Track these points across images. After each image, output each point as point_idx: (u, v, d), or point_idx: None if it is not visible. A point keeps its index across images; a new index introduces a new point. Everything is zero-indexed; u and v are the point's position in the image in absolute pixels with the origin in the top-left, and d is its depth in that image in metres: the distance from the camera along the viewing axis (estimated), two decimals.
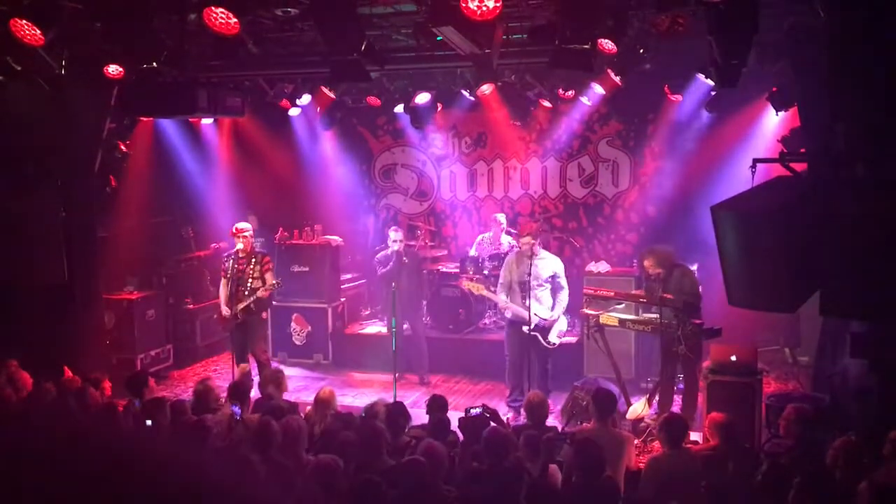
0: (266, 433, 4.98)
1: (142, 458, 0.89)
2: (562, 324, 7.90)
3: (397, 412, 5.70)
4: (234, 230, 8.43)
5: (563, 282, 7.85)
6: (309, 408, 6.48)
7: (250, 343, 8.46)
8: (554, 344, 7.74)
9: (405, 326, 9.07)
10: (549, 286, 7.78)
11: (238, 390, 6.34)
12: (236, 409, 5.91)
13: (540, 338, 7.65)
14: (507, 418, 7.14)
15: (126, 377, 7.12)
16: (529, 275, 7.53)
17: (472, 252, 10.40)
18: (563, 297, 7.84)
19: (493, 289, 9.39)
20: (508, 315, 7.89)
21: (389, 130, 12.20)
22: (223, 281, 8.49)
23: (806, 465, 4.66)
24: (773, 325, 9.62)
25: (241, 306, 8.26)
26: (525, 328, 7.61)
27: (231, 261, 8.36)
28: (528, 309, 7.54)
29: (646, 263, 7.41)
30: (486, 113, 10.98)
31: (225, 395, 6.51)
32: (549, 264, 7.82)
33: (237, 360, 8.47)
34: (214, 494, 0.88)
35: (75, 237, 8.68)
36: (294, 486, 4.52)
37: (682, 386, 7.38)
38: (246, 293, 8.29)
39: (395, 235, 9.13)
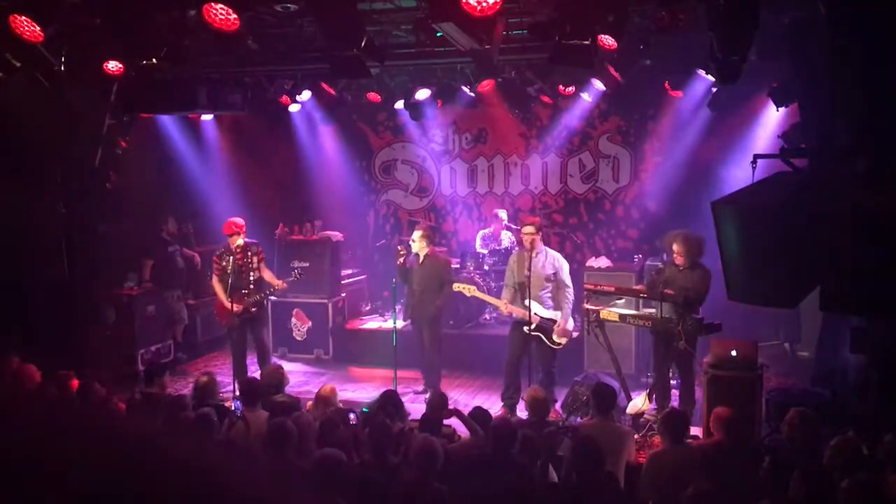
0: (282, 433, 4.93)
1: (144, 453, 0.89)
2: (568, 324, 7.65)
3: (389, 401, 5.72)
4: (233, 227, 8.33)
5: (567, 280, 7.64)
6: (310, 403, 6.50)
7: (257, 331, 8.49)
8: (559, 345, 7.60)
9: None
10: (550, 286, 7.61)
11: (251, 388, 6.24)
12: (238, 405, 5.91)
13: (543, 338, 7.54)
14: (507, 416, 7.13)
15: (145, 366, 7.16)
16: (529, 270, 7.46)
17: (478, 248, 10.40)
18: (566, 296, 7.61)
19: (493, 285, 9.41)
20: (515, 315, 7.77)
21: (389, 126, 12.20)
22: (216, 278, 8.39)
23: (805, 462, 4.67)
24: (773, 321, 9.65)
25: (250, 301, 8.26)
26: (525, 328, 7.54)
27: (230, 257, 8.29)
28: (529, 309, 7.45)
29: (675, 247, 7.12)
30: (486, 109, 10.98)
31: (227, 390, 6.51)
32: (549, 261, 7.65)
33: (236, 357, 8.47)
34: (216, 490, 0.88)
35: (75, 233, 8.70)
36: (298, 481, 4.53)
37: (678, 381, 7.37)
38: (251, 287, 8.30)
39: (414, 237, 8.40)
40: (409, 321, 8.54)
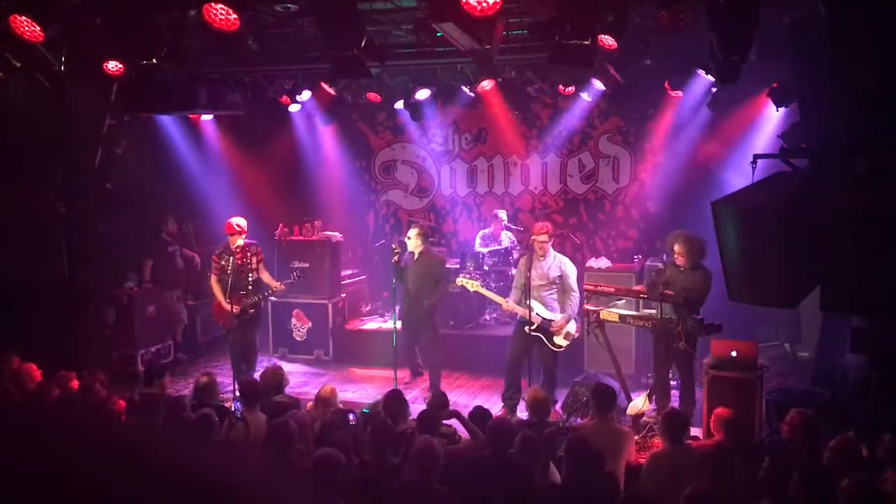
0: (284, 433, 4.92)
1: (143, 454, 0.89)
2: (570, 326, 7.65)
3: (395, 400, 5.72)
4: (234, 227, 8.33)
5: (573, 284, 7.63)
6: (310, 404, 6.49)
7: (250, 332, 8.46)
8: (560, 347, 7.60)
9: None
10: (555, 288, 7.62)
11: (251, 390, 6.21)
12: (237, 406, 5.90)
13: (544, 339, 7.56)
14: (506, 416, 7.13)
15: (145, 367, 7.16)
16: (530, 272, 7.48)
17: (478, 248, 10.41)
18: (571, 300, 7.60)
19: (493, 286, 9.40)
20: (518, 314, 7.78)
21: (389, 126, 12.20)
22: (215, 278, 8.38)
23: (805, 462, 4.66)
24: (773, 321, 9.65)
25: (249, 302, 8.25)
26: (526, 328, 7.55)
27: (230, 257, 8.27)
28: (529, 308, 7.46)
29: (676, 248, 7.11)
30: (486, 109, 10.99)
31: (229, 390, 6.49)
32: (555, 263, 7.65)
33: (235, 358, 8.45)
34: (215, 490, 0.88)
35: (75, 233, 8.70)
36: (297, 481, 4.53)
37: (678, 381, 7.37)
38: (250, 287, 8.28)
39: (410, 234, 8.45)
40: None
